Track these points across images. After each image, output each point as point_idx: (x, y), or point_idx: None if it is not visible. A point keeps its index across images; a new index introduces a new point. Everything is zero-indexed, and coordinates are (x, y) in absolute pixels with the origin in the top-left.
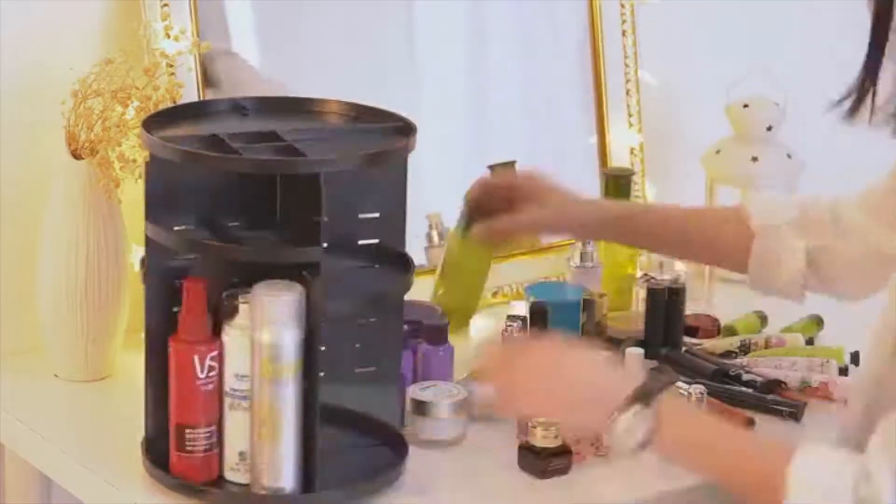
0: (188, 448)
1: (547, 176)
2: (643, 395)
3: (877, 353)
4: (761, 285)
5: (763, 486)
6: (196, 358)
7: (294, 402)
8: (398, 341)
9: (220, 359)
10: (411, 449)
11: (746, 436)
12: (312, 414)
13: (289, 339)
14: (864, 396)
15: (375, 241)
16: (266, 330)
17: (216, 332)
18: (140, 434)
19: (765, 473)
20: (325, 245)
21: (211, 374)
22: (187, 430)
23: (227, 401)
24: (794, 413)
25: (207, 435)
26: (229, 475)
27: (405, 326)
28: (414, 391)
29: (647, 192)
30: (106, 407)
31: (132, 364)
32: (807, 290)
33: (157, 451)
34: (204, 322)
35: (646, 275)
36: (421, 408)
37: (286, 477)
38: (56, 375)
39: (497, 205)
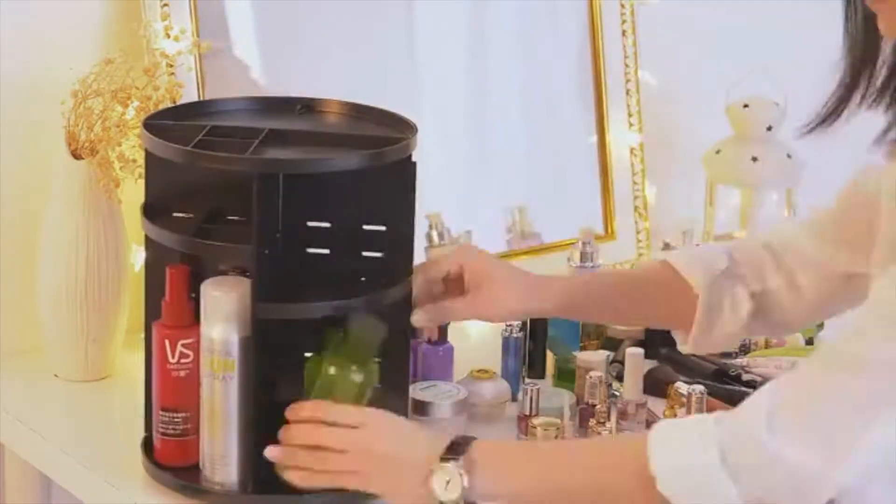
0: (164, 431)
1: (480, 263)
2: (452, 449)
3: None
4: (702, 342)
5: (632, 477)
6: (167, 343)
7: (235, 399)
8: (406, 347)
9: (195, 347)
10: None
11: (572, 444)
12: (254, 411)
13: (227, 336)
14: None
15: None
16: (210, 325)
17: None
18: (140, 434)
19: (628, 463)
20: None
21: (183, 360)
22: (162, 413)
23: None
24: None
25: (182, 420)
26: (201, 464)
27: None
28: (414, 391)
29: (647, 192)
30: (106, 407)
31: (132, 364)
32: (749, 334)
33: (150, 438)
34: (184, 309)
35: None
36: (421, 408)
37: (231, 473)
38: (56, 375)
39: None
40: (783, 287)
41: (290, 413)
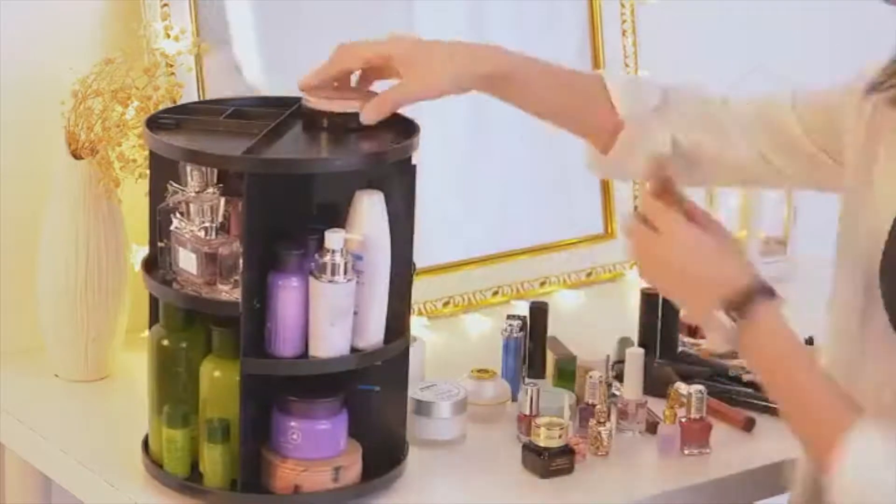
0: None
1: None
2: (745, 296)
3: (841, 339)
4: (616, 171)
5: (821, 443)
6: None
7: None
8: (404, 348)
9: None
10: (411, 449)
11: (825, 383)
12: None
13: None
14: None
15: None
16: None
17: None
18: (140, 434)
19: (825, 432)
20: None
21: None
22: None
23: None
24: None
25: None
26: None
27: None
28: (414, 391)
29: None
30: (106, 407)
31: (132, 364)
32: None
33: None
34: None
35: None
36: (421, 408)
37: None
38: (56, 375)
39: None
40: (708, 150)
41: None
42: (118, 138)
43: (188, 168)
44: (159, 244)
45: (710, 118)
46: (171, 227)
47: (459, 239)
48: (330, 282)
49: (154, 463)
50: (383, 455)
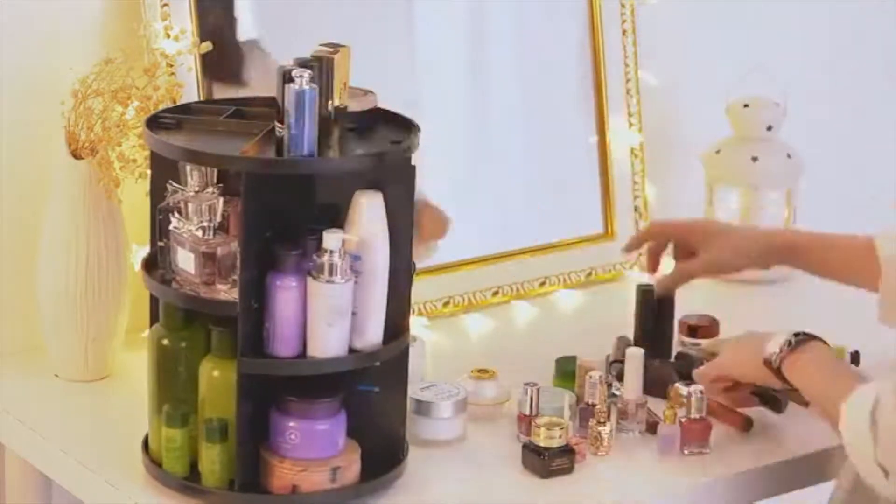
0: None
1: (709, 223)
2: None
3: None
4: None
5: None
6: None
7: None
8: (404, 348)
9: None
10: (411, 449)
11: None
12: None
13: None
14: None
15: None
16: None
17: None
18: (140, 434)
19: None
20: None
21: None
22: None
23: None
24: (777, 405)
25: None
26: None
27: None
28: (414, 391)
29: (647, 192)
30: (106, 407)
31: (132, 364)
32: None
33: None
34: None
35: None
36: (421, 408)
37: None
38: (56, 375)
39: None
40: None
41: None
42: (118, 138)
43: (188, 168)
44: (159, 244)
45: None
46: (170, 227)
47: (459, 239)
48: (328, 282)
49: (154, 463)
50: (383, 455)
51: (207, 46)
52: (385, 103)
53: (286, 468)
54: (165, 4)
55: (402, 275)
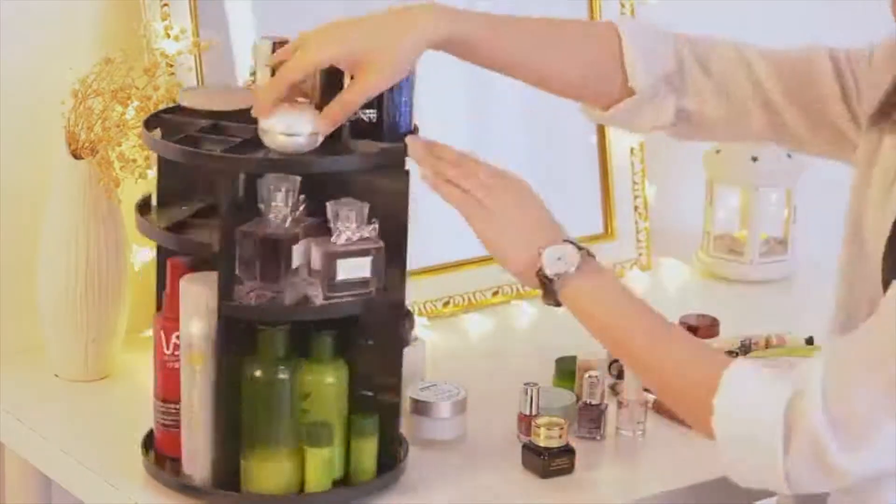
0: (161, 422)
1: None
2: (577, 244)
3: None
4: (614, 124)
5: (690, 383)
6: (162, 333)
7: (206, 394)
8: (399, 348)
9: None
10: (411, 449)
11: (672, 326)
12: (228, 406)
13: (198, 330)
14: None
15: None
16: (187, 319)
17: None
18: (140, 434)
19: (693, 372)
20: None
21: (177, 352)
22: (159, 404)
23: None
24: None
25: (177, 412)
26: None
27: None
28: (413, 391)
29: (647, 192)
30: (106, 407)
31: (132, 364)
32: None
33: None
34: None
35: None
36: (421, 408)
37: (202, 470)
38: (56, 375)
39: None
40: (719, 117)
41: (435, 147)
42: (118, 138)
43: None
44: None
45: (726, 84)
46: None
47: (459, 239)
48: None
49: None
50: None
51: (207, 46)
52: None
53: None
54: (165, 4)
55: (397, 276)
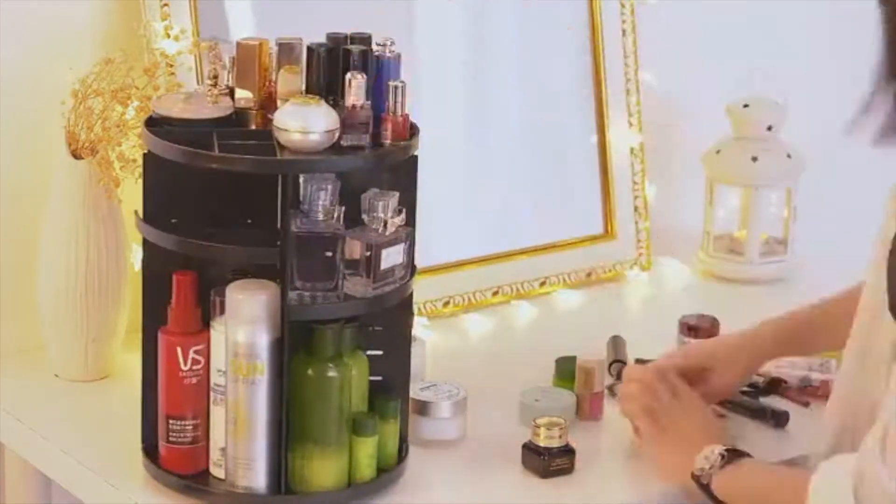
0: (172, 439)
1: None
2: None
3: (849, 370)
4: None
5: None
6: (179, 350)
7: (265, 401)
8: (406, 347)
9: (206, 353)
10: (411, 449)
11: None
12: (283, 414)
13: (257, 339)
14: (838, 417)
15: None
16: (238, 328)
17: (209, 326)
18: (140, 434)
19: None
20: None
21: (195, 367)
22: (171, 422)
23: (212, 395)
24: (779, 420)
25: (192, 427)
26: (213, 470)
27: None
28: (414, 391)
29: (647, 192)
30: (106, 407)
31: (132, 364)
32: None
33: (151, 445)
34: (192, 315)
35: None
36: (421, 408)
37: (258, 476)
38: (56, 375)
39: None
40: None
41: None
42: (118, 138)
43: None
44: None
45: None
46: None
47: (459, 239)
48: None
49: (293, 492)
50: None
51: (207, 46)
52: None
53: None
54: (165, 4)
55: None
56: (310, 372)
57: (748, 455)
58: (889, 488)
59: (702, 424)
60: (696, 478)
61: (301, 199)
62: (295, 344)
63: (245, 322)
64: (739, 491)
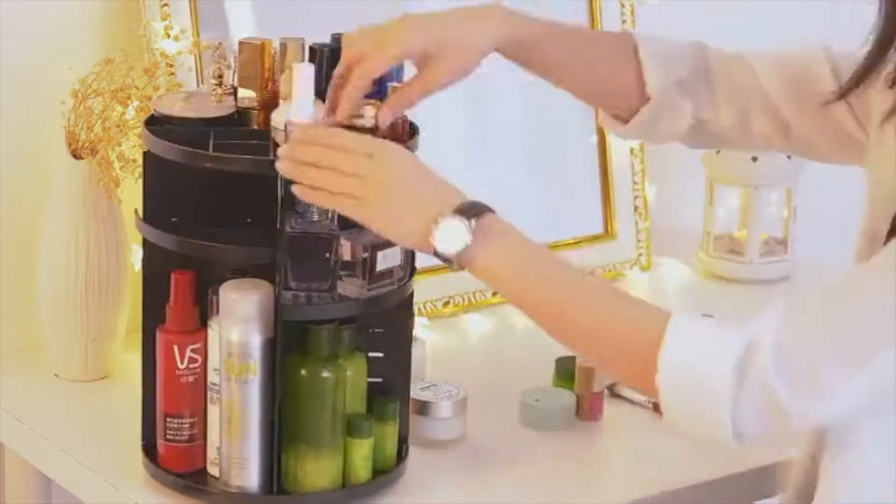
0: (170, 437)
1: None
2: (469, 209)
3: None
4: (634, 137)
5: (628, 337)
6: (176, 348)
7: (258, 401)
8: (406, 347)
9: (203, 352)
10: (411, 449)
11: (591, 278)
12: (275, 414)
13: (250, 338)
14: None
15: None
16: (231, 328)
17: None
18: (140, 434)
19: (630, 326)
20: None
21: (192, 365)
22: (169, 420)
23: (208, 394)
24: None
25: (189, 426)
26: (210, 469)
27: None
28: (414, 391)
29: (647, 192)
30: (106, 407)
31: (132, 364)
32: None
33: (151, 444)
34: (189, 314)
35: None
36: (421, 408)
37: (251, 476)
38: (56, 375)
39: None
40: (731, 125)
41: (300, 132)
42: (118, 138)
43: None
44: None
45: (733, 91)
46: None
47: None
48: None
49: (293, 492)
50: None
51: (207, 46)
52: None
53: None
54: (165, 4)
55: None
56: (303, 372)
57: (490, 210)
58: (776, 395)
59: (409, 171)
60: (443, 258)
61: (296, 199)
62: (291, 344)
63: (238, 321)
64: (508, 282)
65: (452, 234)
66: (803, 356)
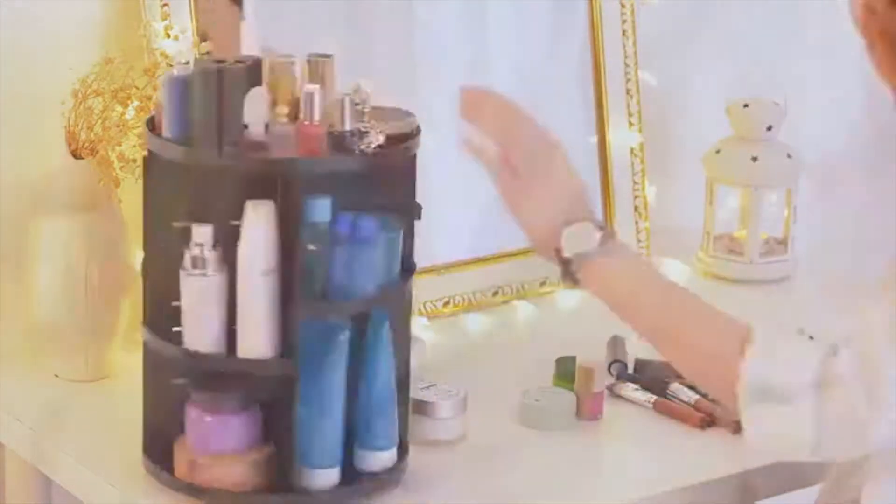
0: None
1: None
2: (602, 223)
3: None
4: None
5: (716, 351)
6: None
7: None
8: (406, 344)
9: None
10: (411, 449)
11: (697, 300)
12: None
13: None
14: None
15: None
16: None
17: None
18: (140, 433)
19: (717, 339)
20: None
21: None
22: None
23: None
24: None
25: None
26: None
27: None
28: (414, 391)
29: (647, 192)
30: (106, 407)
31: (132, 364)
32: None
33: (155, 444)
34: None
35: None
36: (421, 408)
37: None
38: (56, 375)
39: None
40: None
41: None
42: (118, 138)
43: None
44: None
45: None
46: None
47: (459, 239)
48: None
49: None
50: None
51: (207, 46)
52: (384, 103)
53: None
54: (165, 4)
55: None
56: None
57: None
58: (857, 409)
59: (567, 182)
60: (561, 257)
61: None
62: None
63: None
64: (617, 294)
65: (581, 235)
66: (880, 371)
